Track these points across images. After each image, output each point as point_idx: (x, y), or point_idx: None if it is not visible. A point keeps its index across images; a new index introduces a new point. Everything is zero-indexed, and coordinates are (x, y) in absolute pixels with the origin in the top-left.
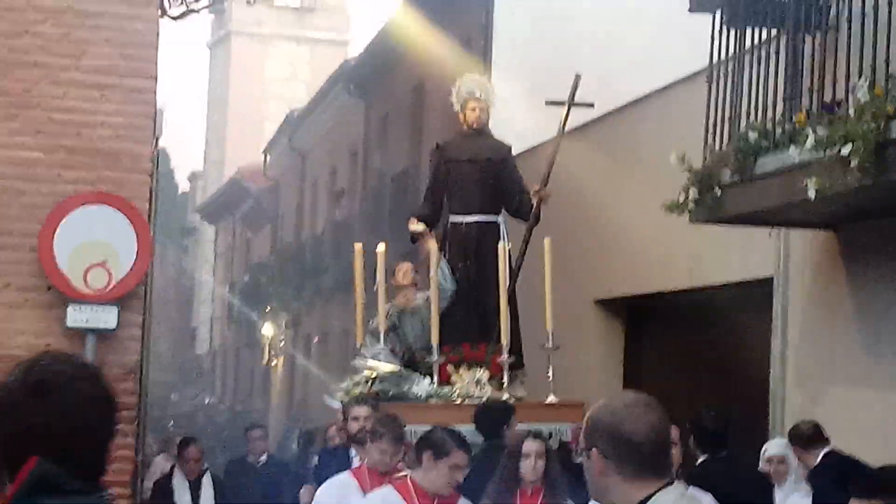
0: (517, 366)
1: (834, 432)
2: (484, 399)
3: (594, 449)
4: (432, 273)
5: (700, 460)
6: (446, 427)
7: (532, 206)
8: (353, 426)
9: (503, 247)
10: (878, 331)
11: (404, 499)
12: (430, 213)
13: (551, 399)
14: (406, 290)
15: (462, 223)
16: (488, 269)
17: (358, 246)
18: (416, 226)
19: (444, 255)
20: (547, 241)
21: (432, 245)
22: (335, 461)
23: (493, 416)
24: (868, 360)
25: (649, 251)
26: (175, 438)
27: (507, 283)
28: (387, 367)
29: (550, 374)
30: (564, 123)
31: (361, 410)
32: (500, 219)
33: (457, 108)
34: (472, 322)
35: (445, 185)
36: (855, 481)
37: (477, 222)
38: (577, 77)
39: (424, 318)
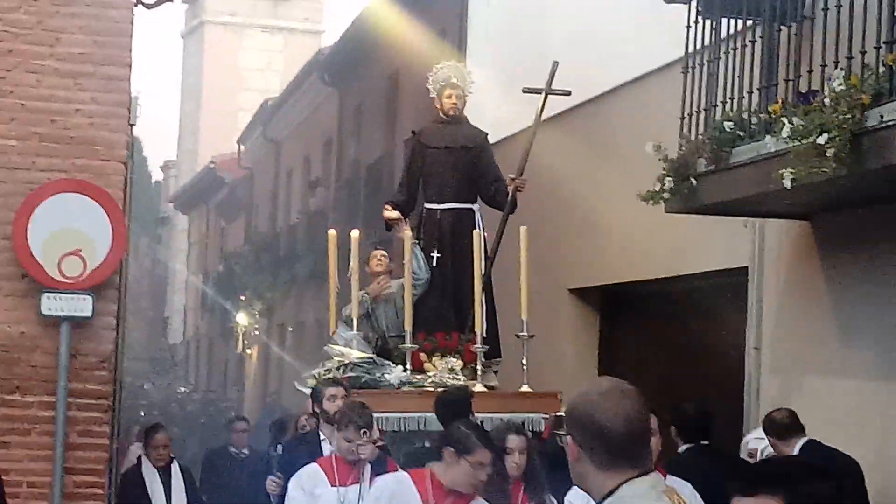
0: (493, 355)
1: (809, 422)
2: (443, 388)
3: (569, 437)
4: (406, 260)
5: (681, 449)
6: (472, 422)
7: (508, 194)
8: (331, 406)
9: (479, 234)
10: (853, 320)
11: (418, 488)
12: (405, 200)
13: (525, 388)
14: (380, 277)
15: (437, 211)
16: (463, 257)
17: (332, 233)
18: (391, 213)
19: (419, 243)
20: (523, 230)
21: (406, 232)
22: (303, 448)
23: (455, 406)
24: (843, 349)
25: (624, 240)
26: (130, 429)
27: (483, 272)
28: (359, 353)
29: (525, 363)
30: (541, 111)
31: (338, 390)
32: (475, 207)
33: (433, 95)
34: (446, 310)
35: (421, 173)
36: (731, 477)
37: (452, 210)
38: (555, 64)
39: (398, 305)
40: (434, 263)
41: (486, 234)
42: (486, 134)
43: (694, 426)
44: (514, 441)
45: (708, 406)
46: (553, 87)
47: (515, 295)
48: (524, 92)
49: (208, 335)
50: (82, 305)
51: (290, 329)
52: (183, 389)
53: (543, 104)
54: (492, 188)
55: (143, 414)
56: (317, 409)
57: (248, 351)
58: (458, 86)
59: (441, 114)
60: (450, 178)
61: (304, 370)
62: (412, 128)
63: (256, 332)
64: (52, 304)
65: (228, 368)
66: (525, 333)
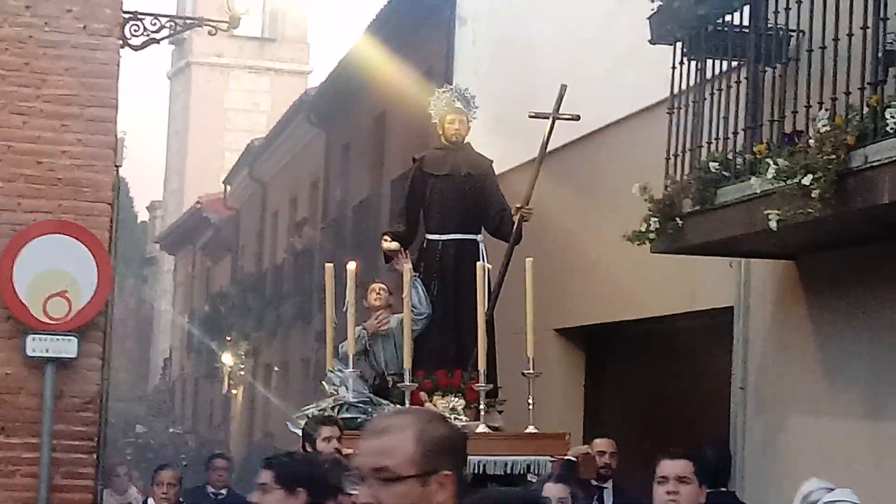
0: (493, 394)
1: (795, 461)
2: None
3: (442, 472)
4: (405, 294)
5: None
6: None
7: (513, 224)
8: (326, 447)
9: (482, 266)
10: (839, 360)
11: None
12: (405, 230)
13: (531, 429)
14: (378, 312)
15: (439, 242)
16: (466, 290)
17: (328, 266)
18: (390, 244)
19: (419, 276)
20: (529, 262)
21: (406, 265)
22: None
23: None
24: (829, 388)
25: (610, 280)
26: (114, 470)
27: (486, 306)
28: (355, 393)
29: (531, 402)
30: (549, 137)
31: (333, 430)
32: (479, 237)
33: (435, 120)
34: (447, 347)
35: (422, 202)
36: None
37: (455, 241)
38: (563, 87)
39: (397, 342)
40: (448, 297)
41: (489, 266)
42: (491, 161)
43: (715, 471)
44: (552, 489)
45: (728, 449)
46: (559, 112)
47: (509, 331)
48: (530, 117)
49: (194, 376)
50: (67, 347)
51: (276, 369)
52: (173, 430)
53: (551, 129)
54: (496, 218)
55: (128, 452)
56: (309, 451)
57: (234, 391)
58: (462, 111)
59: (443, 140)
60: (452, 208)
61: (290, 410)
62: (399, 168)
63: (242, 373)
64: (37, 346)
65: (214, 409)
66: (531, 371)
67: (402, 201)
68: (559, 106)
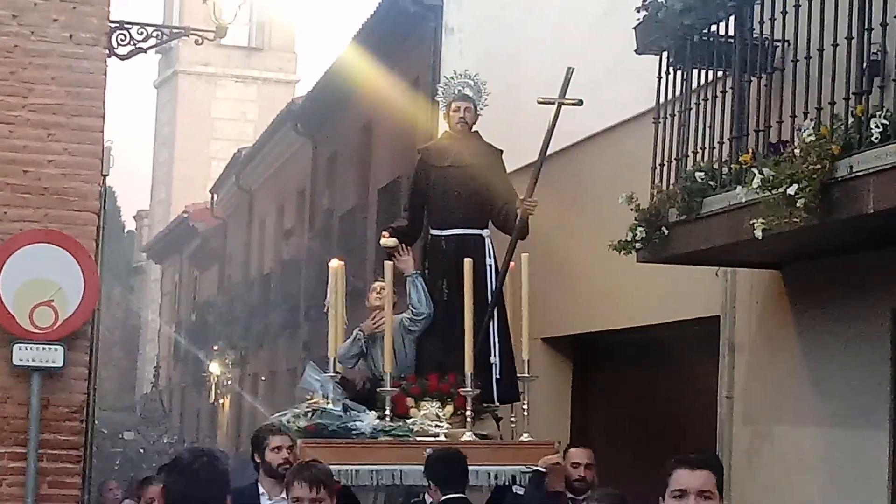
0: (509, 398)
1: (780, 471)
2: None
3: None
4: (387, 291)
5: None
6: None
7: (517, 217)
8: (275, 458)
9: (469, 263)
10: (823, 369)
11: None
12: (407, 226)
13: (525, 437)
14: (376, 312)
15: (442, 238)
16: (471, 289)
17: (333, 264)
18: (388, 240)
19: (424, 274)
20: (524, 258)
21: (398, 262)
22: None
23: (452, 469)
24: (814, 398)
25: (596, 290)
26: (106, 486)
27: (489, 302)
28: (331, 399)
29: (525, 408)
30: (554, 122)
31: (283, 440)
32: (485, 233)
33: (442, 108)
34: (449, 349)
35: (426, 195)
36: None
37: (458, 236)
38: (570, 70)
39: (397, 344)
40: (450, 295)
41: (513, 264)
42: (500, 150)
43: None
44: None
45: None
46: (565, 97)
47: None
48: (539, 103)
49: (181, 385)
50: (54, 356)
51: (263, 378)
52: (167, 440)
53: (556, 115)
54: (503, 211)
55: (117, 463)
56: (257, 460)
57: (221, 401)
58: (470, 98)
59: (449, 129)
60: (456, 201)
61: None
62: (386, 178)
63: (229, 382)
64: (24, 355)
65: (201, 418)
66: (526, 374)
67: (406, 195)
68: (565, 91)
